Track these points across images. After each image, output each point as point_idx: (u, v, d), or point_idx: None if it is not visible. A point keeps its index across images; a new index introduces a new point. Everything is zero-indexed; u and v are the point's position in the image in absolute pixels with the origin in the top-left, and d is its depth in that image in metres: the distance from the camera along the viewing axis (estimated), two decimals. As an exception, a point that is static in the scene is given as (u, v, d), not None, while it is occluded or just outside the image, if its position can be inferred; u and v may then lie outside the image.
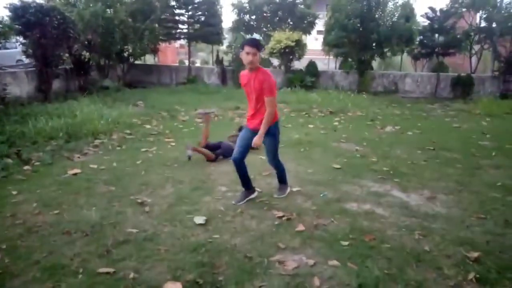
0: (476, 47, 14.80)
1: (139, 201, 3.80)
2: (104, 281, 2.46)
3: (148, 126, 7.69)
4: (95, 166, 4.91)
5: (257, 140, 3.58)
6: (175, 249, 2.89)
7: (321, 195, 4.07)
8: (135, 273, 2.55)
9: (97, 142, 6.20)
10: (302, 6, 15.95)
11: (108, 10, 12.59)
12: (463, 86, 13.47)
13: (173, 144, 6.30)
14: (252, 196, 3.92)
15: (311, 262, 2.76)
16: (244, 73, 3.71)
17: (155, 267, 2.64)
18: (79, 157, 5.41)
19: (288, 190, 4.10)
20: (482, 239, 3.12)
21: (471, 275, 2.59)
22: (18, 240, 3.00)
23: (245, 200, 3.83)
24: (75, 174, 4.59)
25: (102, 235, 3.08)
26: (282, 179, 4.10)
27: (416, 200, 4.01)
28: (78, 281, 2.46)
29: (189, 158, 5.20)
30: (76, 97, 9.74)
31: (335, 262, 2.75)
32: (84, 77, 12.28)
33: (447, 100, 13.01)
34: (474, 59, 15.24)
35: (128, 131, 7.05)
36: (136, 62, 15.32)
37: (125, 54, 14.20)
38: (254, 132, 3.64)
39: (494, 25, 13.70)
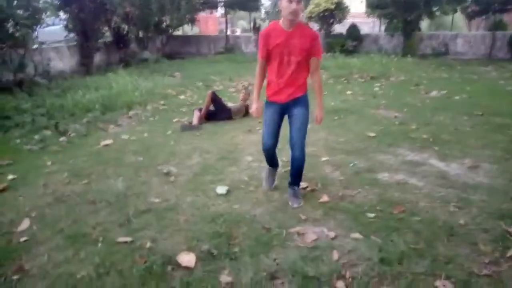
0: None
1: (165, 171, 3.81)
2: (121, 249, 2.49)
3: (182, 97, 7.71)
4: (127, 137, 5.00)
5: (320, 114, 3.02)
6: (194, 219, 2.87)
7: (351, 164, 3.87)
8: (151, 243, 2.55)
9: (131, 113, 6.31)
10: (343, -35, 15.05)
11: (144, -19, 12.58)
12: (522, 45, 12.27)
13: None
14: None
15: (332, 234, 2.63)
16: (273, 29, 2.84)
17: (172, 237, 2.63)
18: (113, 128, 5.53)
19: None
20: (525, 214, 2.82)
21: (510, 252, 2.35)
22: (46, 208, 3.11)
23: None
24: (107, 145, 4.69)
25: (125, 205, 3.11)
26: (300, 176, 3.13)
27: (455, 170, 3.70)
28: (97, 249, 2.50)
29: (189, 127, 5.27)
30: (115, 70, 9.96)
31: (357, 235, 2.60)
32: (123, 50, 12.53)
33: (503, 61, 11.94)
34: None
35: (162, 102, 7.11)
36: (175, 33, 15.37)
37: (163, 26, 14.26)
38: (284, 106, 2.95)
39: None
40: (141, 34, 13.62)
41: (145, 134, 5.14)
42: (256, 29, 15.54)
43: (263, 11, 16.41)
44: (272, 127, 3.00)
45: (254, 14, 17.10)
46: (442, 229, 2.65)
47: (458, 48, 13.35)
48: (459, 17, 15.26)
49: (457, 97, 7.07)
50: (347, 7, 14.12)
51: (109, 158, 4.23)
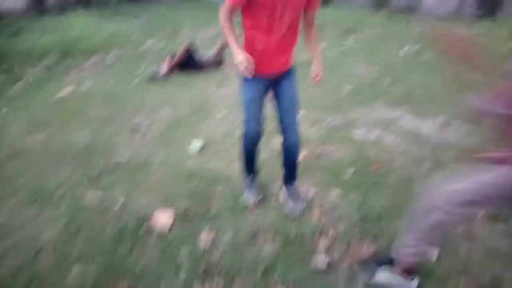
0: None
1: (134, 123, 3.60)
2: (91, 208, 2.35)
3: (149, 42, 7.24)
4: (90, 85, 4.66)
5: (320, 70, 2.43)
6: (168, 177, 2.74)
7: (327, 121, 3.80)
8: (123, 202, 2.42)
9: (93, 59, 5.87)
10: None
11: None
12: (492, 0, 12.32)
13: (175, 62, 5.94)
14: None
15: (311, 191, 2.60)
16: None
17: (145, 196, 2.51)
18: (74, 75, 5.13)
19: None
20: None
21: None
22: (5, 162, 2.87)
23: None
24: (68, 93, 4.36)
25: (92, 160, 2.93)
26: (296, 167, 2.50)
27: (428, 127, 3.73)
28: (64, 208, 2.35)
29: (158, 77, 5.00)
30: (73, 9, 9.13)
31: (337, 193, 2.58)
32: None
33: (473, 16, 11.99)
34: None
35: (128, 47, 6.65)
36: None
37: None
38: (272, 79, 2.26)
39: None
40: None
41: (110, 82, 4.81)
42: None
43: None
44: (258, 108, 2.28)
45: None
46: (418, 186, 2.67)
47: (429, 3, 13.24)
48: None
49: (430, 53, 7.07)
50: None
51: (71, 108, 3.94)
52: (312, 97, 4.48)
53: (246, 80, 2.20)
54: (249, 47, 2.13)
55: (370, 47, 7.64)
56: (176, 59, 5.24)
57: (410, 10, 12.92)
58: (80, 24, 7.16)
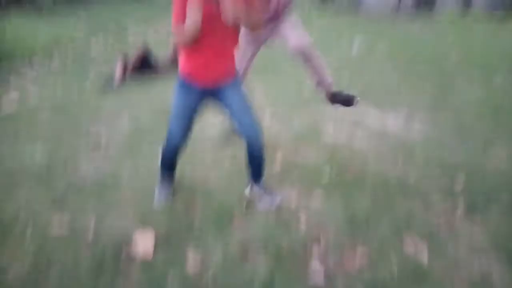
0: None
1: (93, 133, 3.32)
2: (59, 238, 2.10)
3: (94, 42, 6.79)
4: (35, 94, 4.25)
5: None
6: (140, 193, 2.53)
7: (295, 120, 3.76)
8: (96, 226, 2.20)
9: (35, 64, 5.38)
10: None
11: None
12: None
13: (126, 63, 5.61)
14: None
15: (293, 196, 2.53)
16: None
17: (119, 217, 2.29)
18: (15, 81, 4.65)
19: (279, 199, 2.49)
20: (465, 162, 3.00)
21: (460, 202, 2.48)
22: None
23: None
24: (12, 101, 3.93)
25: (52, 178, 2.65)
26: (262, 170, 2.43)
27: (394, 121, 3.80)
28: (28, 239, 2.08)
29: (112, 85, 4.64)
30: (4, 9, 8.36)
31: (318, 196, 2.53)
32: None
33: (410, 14, 12.56)
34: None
35: (71, 50, 6.19)
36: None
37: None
38: (208, 92, 2.12)
39: None
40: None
41: (58, 90, 4.42)
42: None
43: None
44: (187, 119, 2.20)
45: None
46: (396, 186, 2.70)
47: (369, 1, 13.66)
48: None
49: (378, 46, 7.27)
50: None
51: (19, 119, 3.56)
52: (276, 96, 4.42)
53: (180, 88, 2.12)
54: (186, 56, 2.05)
55: (323, 42, 7.70)
56: (132, 63, 4.91)
57: (353, 7, 13.29)
58: (14, 25, 6.54)
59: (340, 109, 4.00)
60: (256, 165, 2.38)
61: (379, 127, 3.67)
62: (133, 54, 4.91)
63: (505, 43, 7.90)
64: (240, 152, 3.03)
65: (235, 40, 2.10)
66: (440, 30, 9.41)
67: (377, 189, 2.63)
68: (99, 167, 2.83)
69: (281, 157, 3.03)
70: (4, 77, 4.75)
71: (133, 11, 10.10)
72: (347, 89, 4.66)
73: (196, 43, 1.93)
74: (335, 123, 3.73)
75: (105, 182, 2.64)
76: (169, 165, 2.41)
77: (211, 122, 3.65)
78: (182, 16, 1.87)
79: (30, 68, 5.18)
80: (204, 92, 2.11)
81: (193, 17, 1.83)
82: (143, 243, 2.04)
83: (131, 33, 7.80)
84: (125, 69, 4.85)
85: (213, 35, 1.95)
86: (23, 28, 6.48)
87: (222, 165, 2.91)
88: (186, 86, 2.09)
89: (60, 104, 3.94)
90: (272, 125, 3.63)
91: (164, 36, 7.58)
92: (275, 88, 4.62)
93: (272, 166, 2.89)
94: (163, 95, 4.34)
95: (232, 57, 2.13)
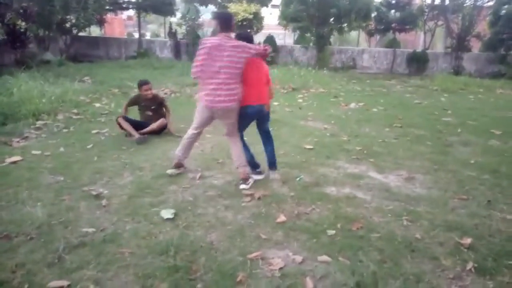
0: (430, 24, 15.06)
1: (94, 193, 3.30)
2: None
3: (97, 105, 6.98)
4: (39, 152, 4.28)
5: None
6: (142, 251, 2.47)
7: (297, 179, 3.77)
8: (95, 285, 2.11)
9: (39, 124, 5.48)
10: (259, -23, 15.30)
11: (46, -26, 11.30)
12: (418, 62, 13.72)
13: (128, 124, 5.72)
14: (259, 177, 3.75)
15: (298, 258, 2.46)
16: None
17: (119, 276, 2.22)
18: (18, 142, 4.70)
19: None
20: (470, 223, 2.98)
21: (469, 265, 2.42)
22: None
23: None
24: (14, 162, 3.95)
25: (51, 238, 2.58)
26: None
27: (394, 181, 3.82)
28: (23, 301, 1.99)
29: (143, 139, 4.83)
30: (12, 72, 8.67)
31: (325, 257, 2.47)
32: (20, 49, 11.09)
33: (403, 76, 13.19)
34: (424, 35, 15.53)
35: (75, 111, 6.33)
36: (81, 34, 14.09)
37: (68, 25, 12.97)
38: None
39: (447, 2, 13.93)
40: (41, 33, 12.19)
41: (61, 149, 4.46)
42: (172, 34, 14.99)
43: (178, 15, 15.77)
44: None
45: (169, 19, 16.48)
46: (402, 245, 2.65)
47: (365, 62, 14.43)
48: (359, 33, 16.52)
49: (374, 109, 7.52)
50: (263, 17, 14.37)
51: (20, 178, 3.54)
52: (278, 154, 4.46)
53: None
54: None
55: (320, 103, 7.98)
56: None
57: (347, 68, 13.95)
58: (22, 87, 6.74)
59: (341, 168, 4.06)
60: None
61: (380, 185, 3.68)
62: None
63: (496, 107, 8.21)
64: (240, 212, 3.03)
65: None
66: (434, 93, 9.81)
67: (383, 248, 2.59)
68: (99, 224, 2.77)
69: (285, 214, 3.00)
70: (9, 138, 4.81)
71: (135, 74, 10.48)
72: (346, 146, 4.78)
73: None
74: (337, 181, 3.74)
75: (105, 239, 2.57)
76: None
77: (210, 183, 3.67)
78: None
79: (34, 129, 5.26)
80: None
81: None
82: (145, 305, 1.95)
83: (131, 95, 8.02)
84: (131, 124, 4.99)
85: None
86: (30, 89, 6.66)
87: (224, 224, 2.86)
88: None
89: (62, 164, 3.94)
90: (274, 181, 3.65)
91: (168, 94, 7.82)
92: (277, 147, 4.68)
93: (276, 225, 2.86)
94: (165, 153, 4.40)
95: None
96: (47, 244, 2.50)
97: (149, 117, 5.27)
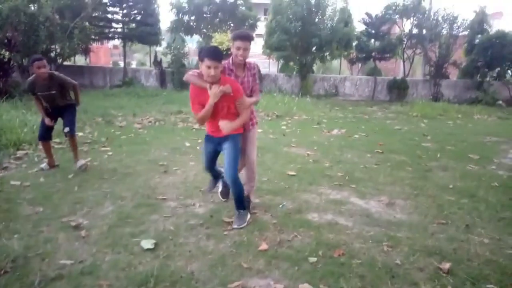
0: (408, 52, 15.59)
1: (73, 224, 3.25)
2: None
3: (80, 134, 6.93)
4: (18, 183, 4.21)
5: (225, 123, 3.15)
6: (120, 283, 2.43)
7: (280, 206, 3.78)
8: (70, 321, 2.06)
9: (20, 153, 5.41)
10: (243, 8, 15.73)
11: (31, 5, 11.41)
12: (399, 89, 14.11)
13: (110, 153, 5.69)
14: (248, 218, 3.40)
15: (280, 287, 2.45)
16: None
17: (96, 310, 2.17)
18: (-3, 173, 4.63)
19: (249, 217, 3.41)
20: (449, 247, 3.02)
21: (448, 291, 2.45)
22: None
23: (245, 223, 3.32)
24: (-9, 194, 3.88)
25: (26, 271, 2.51)
26: (240, 202, 3.34)
27: (376, 207, 3.87)
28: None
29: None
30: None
31: (306, 286, 2.46)
32: (4, 79, 11.03)
33: (384, 102, 13.53)
34: (403, 63, 16.04)
35: (57, 140, 6.27)
36: (65, 63, 14.13)
37: (53, 54, 13.01)
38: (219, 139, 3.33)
39: (424, 31, 14.51)
40: (25, 62, 12.18)
41: (41, 179, 4.40)
42: (157, 63, 15.15)
43: (164, 44, 16.00)
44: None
45: (154, 48, 16.72)
46: (382, 271, 2.67)
47: (347, 90, 14.77)
48: (340, 62, 16.99)
49: (356, 136, 7.66)
50: (247, 47, 14.66)
51: (-4, 210, 3.47)
52: (261, 180, 4.49)
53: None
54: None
55: (304, 130, 8.09)
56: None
57: (330, 96, 14.25)
58: (3, 117, 6.69)
59: (323, 195, 4.10)
60: (234, 195, 3.33)
61: (361, 211, 3.71)
62: None
63: (474, 132, 8.44)
64: (222, 240, 3.02)
65: (235, 114, 3.26)
66: (414, 119, 10.05)
67: (364, 275, 2.60)
68: (78, 256, 2.72)
69: (267, 242, 3.00)
70: (-13, 167, 4.73)
71: (119, 102, 10.51)
72: (328, 172, 4.83)
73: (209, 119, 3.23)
74: (319, 207, 3.76)
75: (83, 271, 2.52)
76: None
77: (192, 211, 3.66)
78: (198, 107, 3.14)
79: (14, 159, 5.19)
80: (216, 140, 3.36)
81: (207, 112, 3.09)
82: None
83: (115, 124, 8.03)
84: None
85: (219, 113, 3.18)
86: (11, 119, 6.61)
87: (205, 253, 2.84)
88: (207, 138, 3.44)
89: (41, 195, 3.89)
90: (256, 208, 3.65)
91: (146, 125, 7.85)
92: (258, 173, 4.71)
93: (258, 253, 2.85)
94: (146, 181, 4.38)
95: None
96: (22, 278, 2.44)
97: (51, 98, 4.66)
